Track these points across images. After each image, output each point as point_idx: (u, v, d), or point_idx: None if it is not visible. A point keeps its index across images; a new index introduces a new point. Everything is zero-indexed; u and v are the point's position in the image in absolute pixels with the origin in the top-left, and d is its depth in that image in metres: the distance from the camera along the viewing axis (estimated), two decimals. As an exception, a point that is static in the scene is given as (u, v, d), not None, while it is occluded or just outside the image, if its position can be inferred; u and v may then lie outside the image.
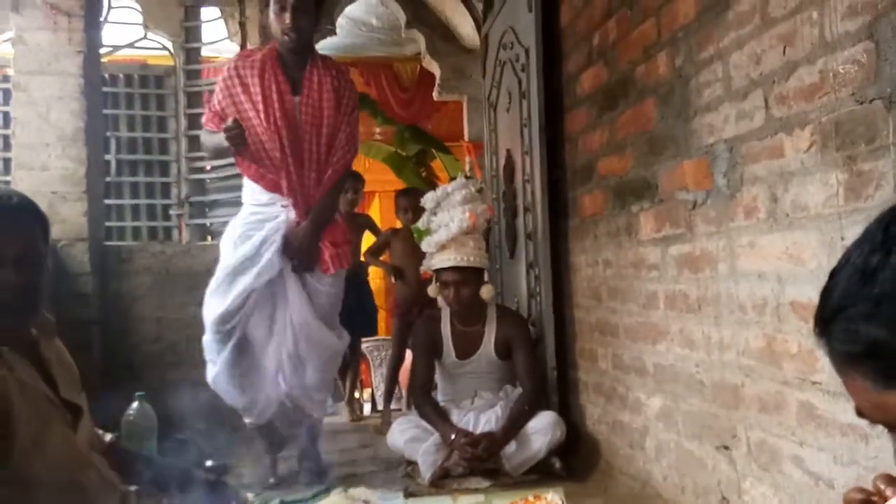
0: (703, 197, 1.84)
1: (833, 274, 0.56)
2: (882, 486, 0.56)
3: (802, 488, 1.51)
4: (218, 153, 2.69)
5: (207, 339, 2.57)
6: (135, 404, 2.58)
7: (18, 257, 1.36)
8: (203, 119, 2.65)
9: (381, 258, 4.07)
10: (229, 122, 2.38)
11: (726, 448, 1.80)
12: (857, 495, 0.53)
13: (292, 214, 2.48)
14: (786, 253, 1.54)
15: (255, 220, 2.50)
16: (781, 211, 1.54)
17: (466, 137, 4.92)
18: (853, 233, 0.54)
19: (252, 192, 2.55)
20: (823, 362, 1.43)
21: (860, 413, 0.56)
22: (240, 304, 2.45)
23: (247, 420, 2.62)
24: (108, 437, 1.74)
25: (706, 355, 1.87)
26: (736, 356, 1.74)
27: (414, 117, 5.72)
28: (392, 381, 4.00)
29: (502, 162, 3.33)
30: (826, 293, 0.56)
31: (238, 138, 2.38)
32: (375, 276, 4.20)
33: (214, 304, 2.50)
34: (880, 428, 1.25)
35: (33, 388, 1.39)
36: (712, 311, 1.83)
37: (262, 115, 2.44)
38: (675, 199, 1.98)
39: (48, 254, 1.46)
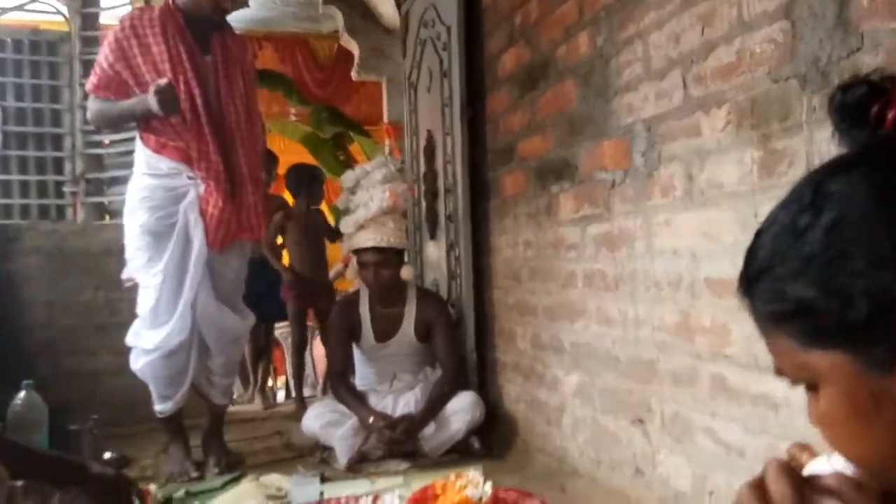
0: (621, 176, 1.86)
1: (758, 234, 0.56)
2: (796, 453, 0.57)
3: (714, 458, 1.56)
4: (116, 123, 2.48)
5: (140, 326, 2.40)
6: (22, 394, 2.38)
7: None
8: (88, 86, 2.38)
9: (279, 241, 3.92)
10: (162, 83, 2.16)
11: (641, 422, 1.84)
12: (775, 463, 0.53)
13: (201, 189, 2.33)
14: (700, 230, 1.57)
15: (161, 192, 2.33)
16: (697, 189, 1.58)
17: (385, 119, 4.83)
18: (767, 209, 0.53)
19: (149, 160, 2.35)
20: (736, 335, 1.48)
21: (780, 372, 0.56)
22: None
23: (160, 408, 2.45)
24: None
25: (622, 332, 1.90)
26: (651, 332, 1.77)
27: (331, 98, 5.57)
28: (299, 366, 3.88)
29: (423, 143, 3.28)
30: (751, 253, 0.55)
31: (172, 102, 2.18)
32: (286, 260, 4.04)
33: (150, 295, 2.36)
34: (790, 396, 1.30)
35: None
36: (628, 289, 1.86)
37: (168, 76, 2.25)
38: (594, 179, 2.00)
39: None
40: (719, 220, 1.51)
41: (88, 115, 2.50)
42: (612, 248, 1.93)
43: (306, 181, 3.81)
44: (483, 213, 2.86)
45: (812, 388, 0.54)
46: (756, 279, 0.55)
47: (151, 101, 2.17)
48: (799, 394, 0.56)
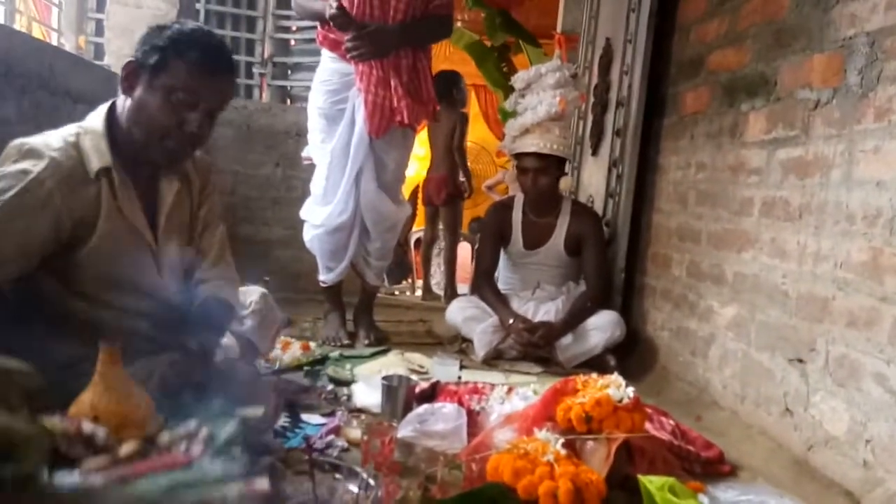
0: (828, 96, 1.69)
1: None
2: None
3: (880, 406, 1.45)
4: (308, 17, 2.58)
5: (312, 203, 2.62)
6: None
7: (212, 111, 1.40)
8: None
9: None
10: (334, 7, 2.26)
11: (801, 361, 1.74)
12: None
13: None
14: (917, 160, 1.41)
15: (338, 77, 2.46)
16: (921, 114, 1.40)
17: (559, 28, 4.64)
18: None
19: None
20: (937, 279, 1.33)
21: None
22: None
23: (323, 277, 2.68)
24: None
25: (797, 266, 1.78)
26: (832, 268, 1.64)
27: (506, 2, 5.41)
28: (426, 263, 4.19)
29: (599, 52, 3.14)
30: None
31: (344, 25, 2.32)
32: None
33: (321, 178, 2.55)
34: None
35: (119, 217, 1.38)
36: (814, 221, 1.72)
37: None
38: (794, 97, 1.83)
39: None
40: (943, 151, 1.34)
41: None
42: (801, 175, 1.78)
43: (449, 86, 3.96)
44: (654, 131, 2.73)
45: None
46: None
47: (329, 16, 2.30)
48: None
